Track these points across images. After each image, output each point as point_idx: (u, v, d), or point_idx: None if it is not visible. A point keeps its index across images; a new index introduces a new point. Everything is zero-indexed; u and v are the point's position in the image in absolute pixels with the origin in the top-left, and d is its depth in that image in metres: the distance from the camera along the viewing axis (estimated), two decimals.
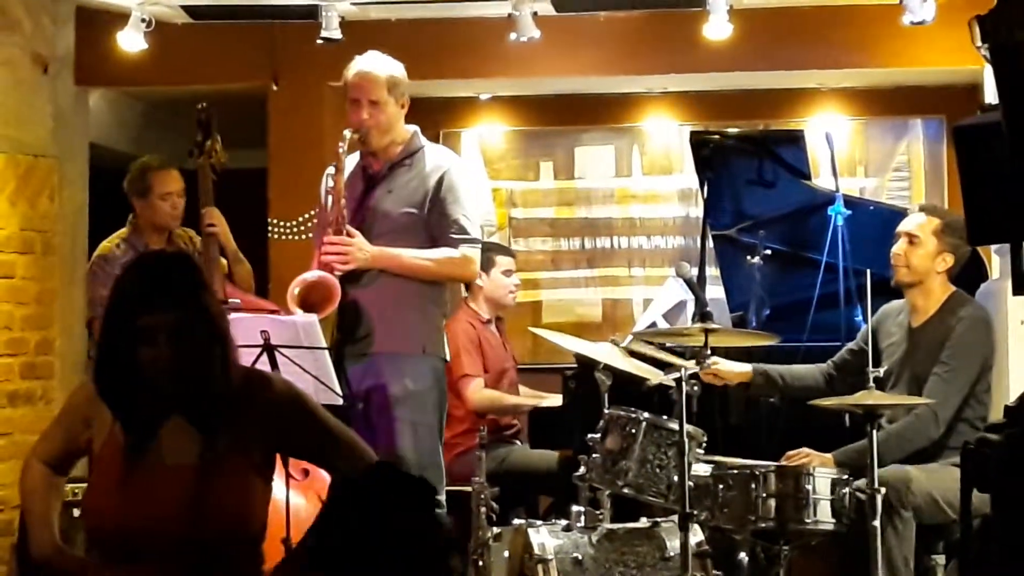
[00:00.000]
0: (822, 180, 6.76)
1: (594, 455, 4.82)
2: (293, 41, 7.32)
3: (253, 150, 7.83)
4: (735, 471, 4.74)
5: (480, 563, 4.92)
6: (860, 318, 5.90)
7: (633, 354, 5.23)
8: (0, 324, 6.79)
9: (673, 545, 4.68)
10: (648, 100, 8.28)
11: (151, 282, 3.14)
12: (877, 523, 4.55)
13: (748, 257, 6.41)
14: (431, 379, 4.97)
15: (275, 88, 7.51)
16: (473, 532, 4.97)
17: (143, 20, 6.81)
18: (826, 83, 8.02)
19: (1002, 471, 3.03)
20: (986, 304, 5.43)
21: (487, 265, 6.42)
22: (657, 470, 4.76)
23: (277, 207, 7.50)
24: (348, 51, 5.46)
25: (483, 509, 4.93)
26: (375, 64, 5.02)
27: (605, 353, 5.10)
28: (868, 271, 5.05)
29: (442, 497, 4.88)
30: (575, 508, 4.83)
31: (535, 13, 6.70)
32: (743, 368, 5.37)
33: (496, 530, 4.96)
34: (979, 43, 3.08)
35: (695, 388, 4.73)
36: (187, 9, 7.17)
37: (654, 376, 5.04)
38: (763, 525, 4.71)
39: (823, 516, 4.68)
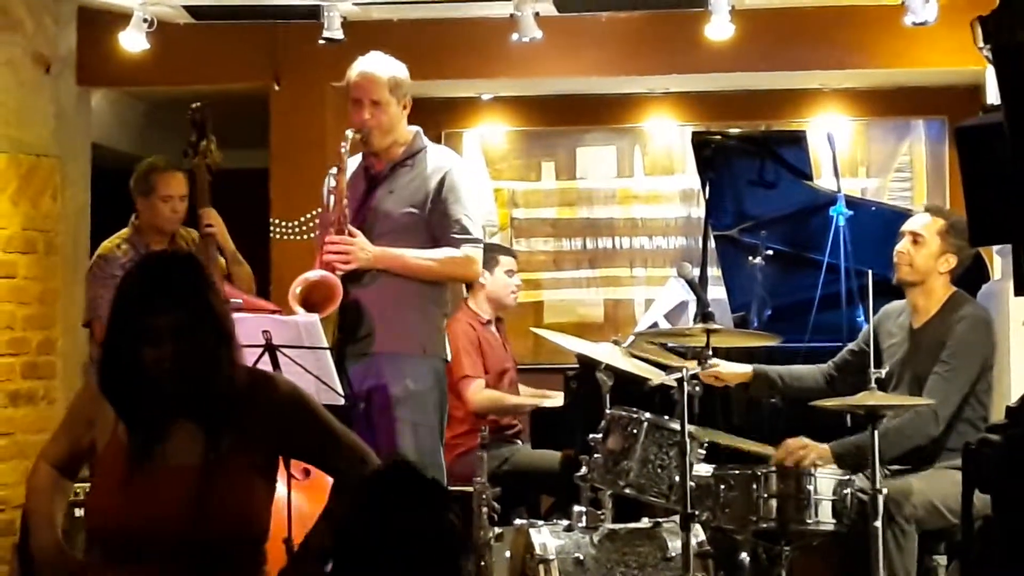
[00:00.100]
0: (824, 181, 6.75)
1: (596, 455, 4.82)
2: (295, 41, 7.32)
3: (255, 150, 7.84)
4: (737, 471, 4.74)
5: (482, 563, 4.92)
6: (861, 319, 5.90)
7: (635, 354, 5.23)
8: (2, 324, 6.80)
9: (675, 545, 4.68)
10: (650, 100, 8.28)
11: (157, 283, 3.13)
12: (879, 524, 4.55)
13: (750, 257, 6.42)
14: (432, 379, 4.97)
15: (277, 88, 7.51)
16: (475, 532, 4.97)
17: (145, 20, 6.81)
18: (828, 84, 8.02)
19: (1003, 472, 3.03)
20: (987, 305, 5.43)
21: (490, 264, 6.43)
22: (659, 470, 4.76)
23: (279, 207, 7.50)
24: (350, 51, 5.46)
25: (484, 509, 4.93)
26: (377, 65, 5.03)
27: (607, 353, 5.10)
28: (870, 272, 5.05)
29: None
30: (577, 508, 4.83)
31: (537, 13, 6.69)
32: (743, 369, 5.37)
33: (497, 530, 4.96)
34: (981, 44, 3.08)
35: (697, 388, 4.73)
36: (189, 9, 7.17)
37: (656, 376, 5.04)
38: (764, 525, 4.71)
39: (824, 517, 4.68)
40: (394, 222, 4.97)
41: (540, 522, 4.85)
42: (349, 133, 4.96)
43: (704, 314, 4.93)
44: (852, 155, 8.15)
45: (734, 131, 7.05)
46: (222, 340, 3.15)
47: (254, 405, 3.19)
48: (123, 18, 6.88)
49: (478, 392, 6.26)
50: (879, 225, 5.92)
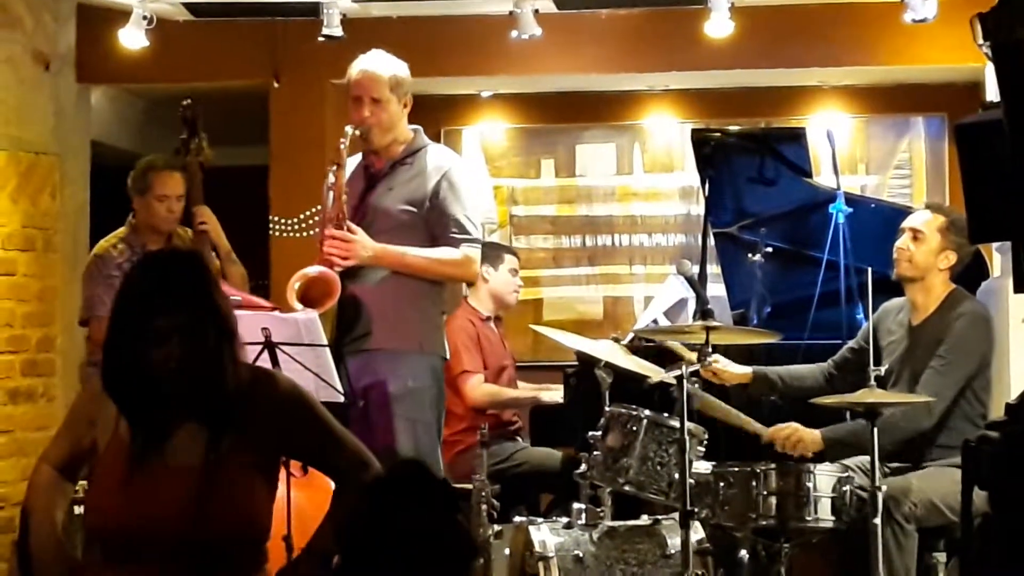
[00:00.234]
0: (823, 178, 6.75)
1: (595, 452, 4.82)
2: (294, 38, 7.32)
3: (254, 147, 7.84)
4: (736, 469, 4.74)
5: (481, 560, 4.92)
6: (861, 316, 5.90)
7: (635, 351, 5.23)
8: (1, 321, 6.80)
9: (674, 543, 4.69)
10: (649, 98, 8.28)
11: (161, 282, 3.12)
12: (878, 521, 4.55)
13: (749, 255, 6.42)
14: (429, 377, 4.97)
15: (276, 85, 7.51)
16: (474, 530, 4.97)
17: (144, 17, 6.81)
18: (827, 81, 8.02)
19: (1001, 469, 3.03)
20: (987, 302, 5.43)
21: (496, 261, 6.45)
22: (658, 468, 4.76)
23: (278, 204, 7.50)
24: (350, 48, 5.46)
25: (484, 507, 4.93)
26: (378, 62, 5.03)
27: (606, 351, 5.10)
28: (869, 269, 5.05)
29: None
30: (576, 505, 4.83)
31: (536, 10, 6.69)
32: (743, 370, 5.37)
33: (497, 528, 4.96)
34: (980, 41, 3.08)
35: (696, 386, 4.73)
36: (188, 6, 7.17)
37: (655, 374, 5.04)
38: (764, 523, 4.71)
39: (824, 514, 4.68)
40: (393, 220, 4.97)
41: (539, 520, 4.85)
42: (348, 129, 4.96)
43: (703, 311, 4.93)
44: (852, 152, 8.16)
45: (733, 128, 7.05)
46: (226, 338, 3.14)
47: (256, 404, 3.19)
48: (122, 15, 6.88)
49: (477, 387, 6.26)
50: (878, 222, 5.92)
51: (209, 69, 7.54)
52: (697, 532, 4.67)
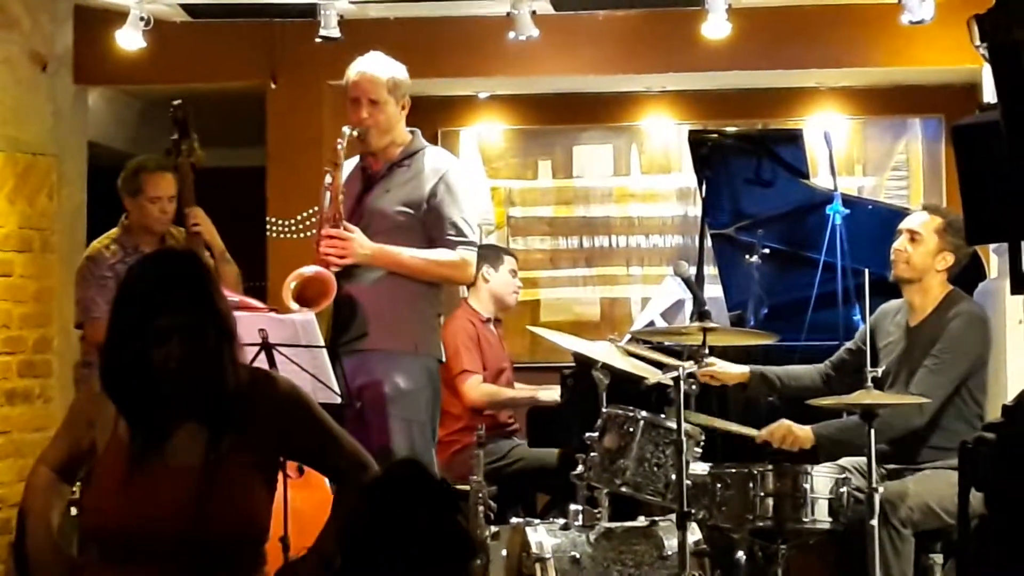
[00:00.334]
0: (820, 179, 6.76)
1: (592, 454, 4.82)
2: (292, 40, 7.31)
3: (251, 148, 7.84)
4: (733, 470, 4.74)
5: (478, 562, 4.92)
6: (858, 317, 5.90)
7: (631, 352, 5.23)
8: None
9: (671, 544, 4.68)
10: (646, 99, 8.28)
11: (161, 282, 3.12)
12: (875, 522, 4.55)
13: (746, 256, 6.41)
14: (423, 378, 4.97)
15: (273, 87, 7.51)
16: (472, 530, 4.97)
17: (142, 18, 6.81)
18: (825, 82, 8.02)
19: (997, 470, 3.03)
20: (984, 303, 5.43)
21: (496, 262, 6.47)
22: (655, 469, 4.76)
23: (275, 206, 7.50)
24: (347, 50, 5.46)
25: (481, 508, 4.93)
26: (377, 64, 5.03)
27: (603, 352, 5.10)
28: (866, 270, 5.05)
29: None
30: (573, 507, 4.82)
31: (534, 12, 6.69)
32: (740, 369, 5.38)
33: (494, 528, 4.96)
34: (978, 42, 3.08)
35: (693, 387, 4.73)
36: (185, 7, 7.17)
37: (652, 375, 5.04)
38: (761, 524, 4.72)
39: (821, 515, 4.68)
40: (389, 221, 4.97)
41: (536, 521, 4.85)
42: (346, 130, 4.96)
43: (700, 312, 4.93)
44: (849, 153, 8.15)
45: (731, 130, 7.05)
46: (226, 339, 3.14)
47: (255, 404, 3.19)
48: (120, 16, 6.88)
49: (476, 387, 6.27)
50: (875, 224, 5.92)
51: (206, 70, 7.54)
52: (694, 533, 4.67)
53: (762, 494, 4.69)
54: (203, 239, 5.56)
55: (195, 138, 5.56)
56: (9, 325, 6.86)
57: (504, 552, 4.91)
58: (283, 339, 4.64)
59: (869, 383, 4.68)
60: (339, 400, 4.61)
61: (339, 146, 4.94)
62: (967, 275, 5.44)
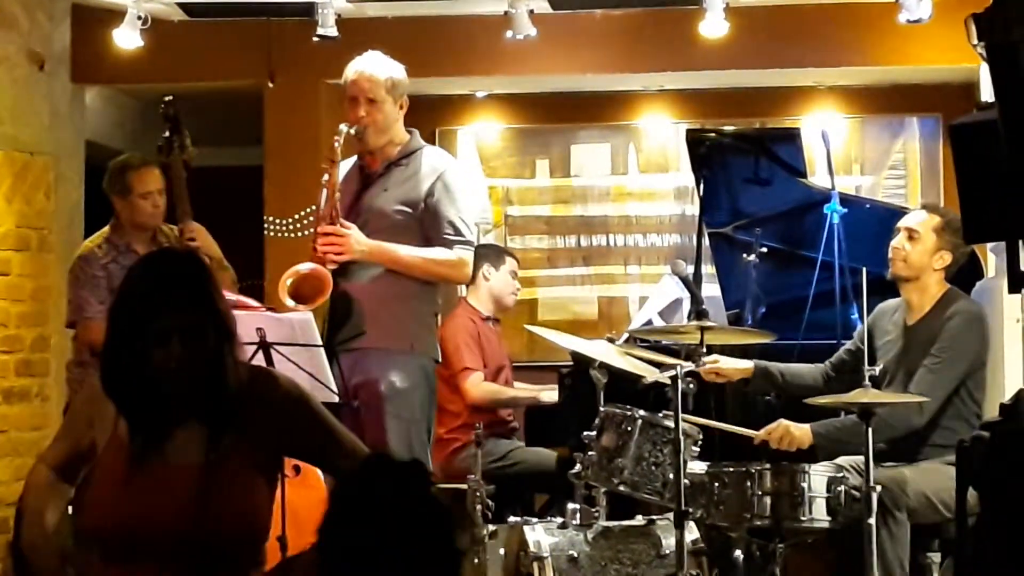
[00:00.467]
0: (818, 178, 6.76)
1: (590, 452, 4.81)
2: (289, 38, 7.31)
3: (249, 147, 7.84)
4: (731, 469, 4.74)
5: (476, 561, 4.92)
6: (856, 316, 5.90)
7: (629, 351, 5.23)
8: None
9: (668, 543, 4.68)
10: (644, 98, 8.28)
11: (161, 282, 3.11)
12: (872, 520, 4.55)
13: (744, 255, 6.41)
14: (419, 377, 4.97)
15: (271, 86, 7.50)
16: (469, 530, 4.96)
17: (139, 17, 6.80)
18: (822, 81, 8.02)
19: (995, 468, 3.03)
20: (981, 302, 5.43)
21: (497, 261, 6.49)
22: (653, 468, 4.76)
23: (273, 204, 7.50)
24: (344, 49, 5.46)
25: (479, 506, 4.93)
26: (375, 64, 5.03)
27: (601, 351, 5.10)
28: (864, 269, 5.05)
29: None
30: (571, 506, 4.82)
31: (531, 11, 6.69)
32: (744, 364, 5.38)
33: (491, 527, 4.96)
34: (975, 41, 3.08)
35: (691, 386, 4.73)
36: (183, 6, 7.17)
37: (650, 374, 5.04)
38: (759, 523, 4.71)
39: (818, 514, 4.68)
40: (387, 220, 4.97)
41: (534, 520, 4.85)
42: (343, 127, 4.96)
43: (698, 311, 4.94)
44: (846, 152, 8.16)
45: (728, 128, 7.05)
46: (226, 338, 3.14)
47: (255, 403, 3.18)
48: (117, 15, 6.87)
49: (477, 385, 6.27)
50: (873, 223, 5.92)
51: (203, 69, 7.53)
52: (692, 532, 4.67)
53: (760, 493, 4.69)
54: (202, 252, 5.53)
55: (187, 135, 5.53)
56: (7, 324, 6.86)
57: (502, 551, 4.90)
58: (281, 338, 4.64)
59: (867, 382, 4.68)
60: (336, 399, 4.61)
61: (336, 143, 4.94)
62: (965, 274, 5.44)
